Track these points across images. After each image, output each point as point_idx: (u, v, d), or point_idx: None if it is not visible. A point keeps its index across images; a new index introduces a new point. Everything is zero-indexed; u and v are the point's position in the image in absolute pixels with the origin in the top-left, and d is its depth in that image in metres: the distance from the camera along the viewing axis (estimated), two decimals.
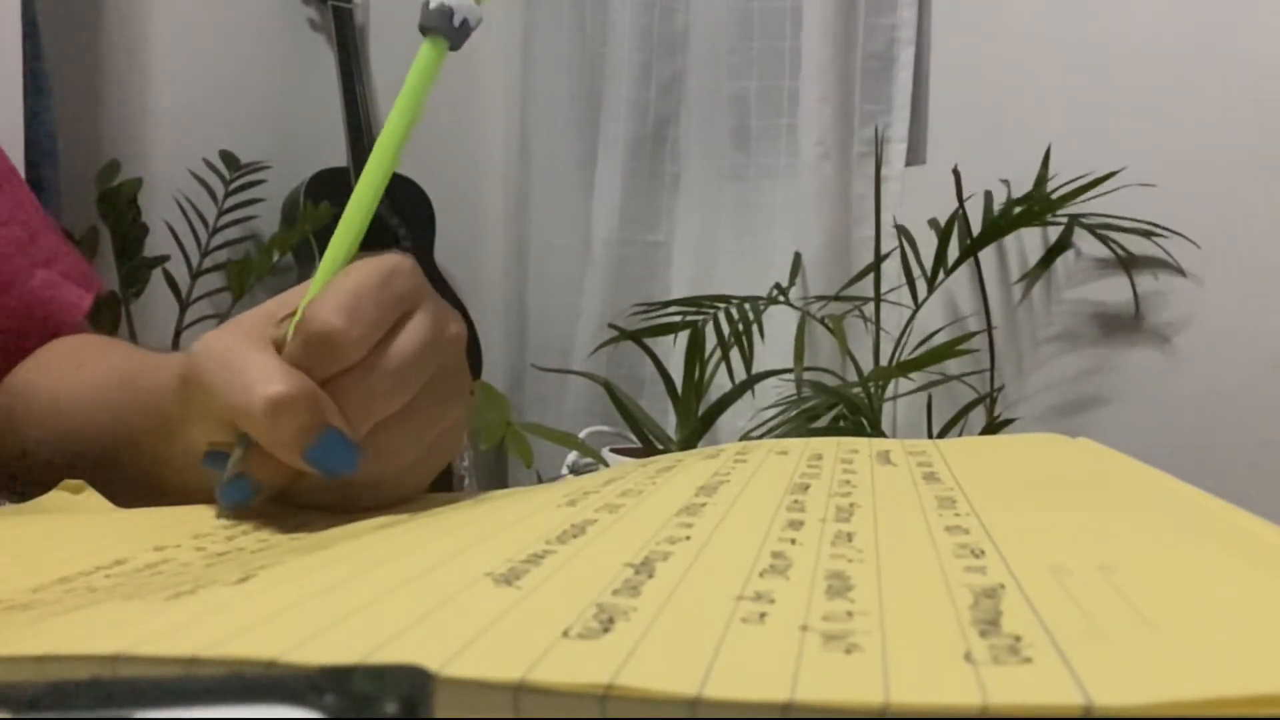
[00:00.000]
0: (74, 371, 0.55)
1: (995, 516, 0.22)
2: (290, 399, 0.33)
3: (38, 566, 0.29)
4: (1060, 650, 0.14)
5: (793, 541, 0.21)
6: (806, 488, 0.27)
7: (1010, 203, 1.51)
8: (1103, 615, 0.15)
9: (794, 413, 1.45)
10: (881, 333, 1.61)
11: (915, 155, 1.74)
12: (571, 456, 1.69)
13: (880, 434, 1.48)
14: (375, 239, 2.00)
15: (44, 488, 0.43)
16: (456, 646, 0.16)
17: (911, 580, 0.18)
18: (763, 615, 0.17)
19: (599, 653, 0.15)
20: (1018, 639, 0.14)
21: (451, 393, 0.38)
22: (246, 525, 0.35)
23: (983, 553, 0.19)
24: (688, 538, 0.22)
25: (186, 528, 0.35)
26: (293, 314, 0.36)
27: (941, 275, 1.55)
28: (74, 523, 0.37)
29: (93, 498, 0.43)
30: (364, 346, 0.35)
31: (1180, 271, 1.48)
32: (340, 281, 0.36)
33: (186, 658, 0.17)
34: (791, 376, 1.51)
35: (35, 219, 0.62)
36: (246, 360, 0.35)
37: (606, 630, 0.16)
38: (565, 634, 0.16)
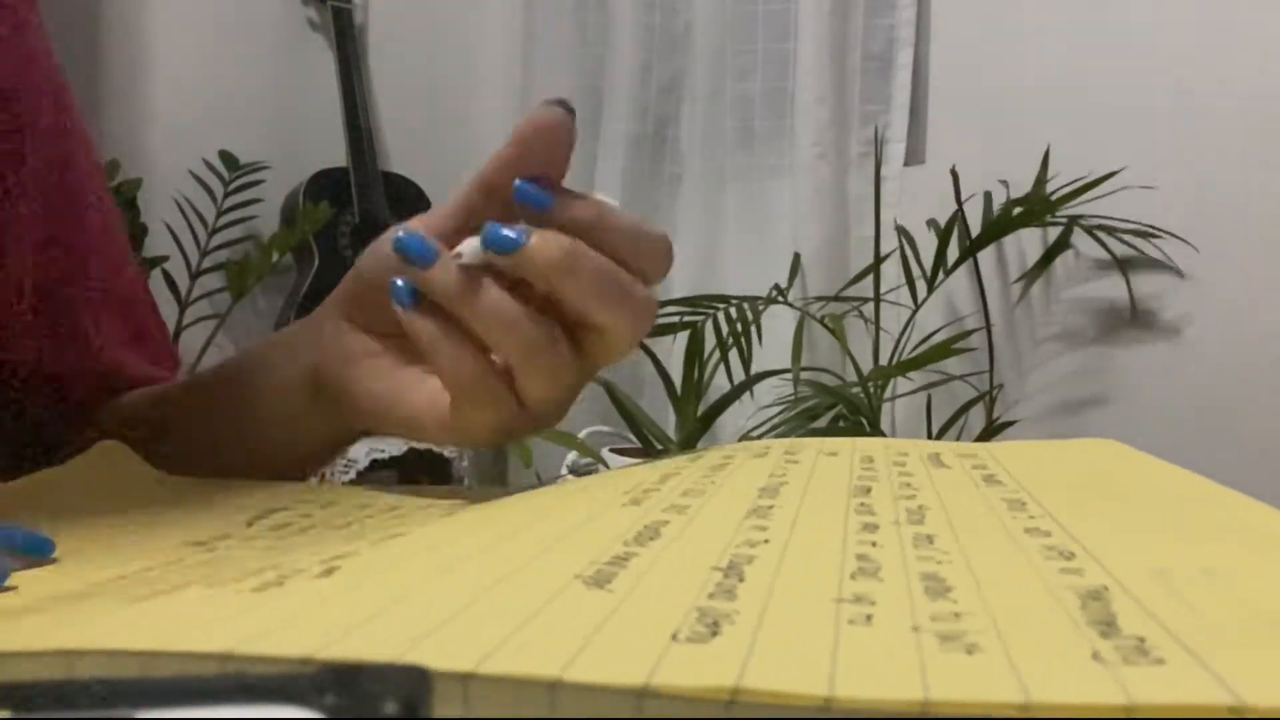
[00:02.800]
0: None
1: (1071, 520, 0.23)
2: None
3: (100, 560, 0.29)
4: (1191, 651, 0.14)
5: (874, 544, 0.22)
6: (868, 490, 0.27)
7: (1009, 203, 1.51)
8: (1222, 615, 0.15)
9: (793, 412, 1.46)
10: (881, 333, 1.62)
11: (914, 155, 1.75)
12: (571, 456, 1.69)
13: (880, 433, 1.48)
14: (375, 239, 2.00)
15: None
16: (571, 651, 0.16)
17: (1010, 581, 0.18)
18: (868, 617, 0.17)
19: (715, 656, 0.15)
20: (1141, 640, 0.14)
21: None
22: (291, 514, 0.35)
23: (1073, 555, 0.20)
24: (766, 540, 0.22)
25: (239, 515, 0.35)
26: None
27: (941, 275, 1.55)
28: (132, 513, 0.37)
29: (131, 461, 0.42)
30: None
31: (1179, 272, 1.49)
32: None
33: (299, 658, 0.17)
34: (790, 377, 1.51)
35: (121, 294, 0.57)
36: None
37: (714, 634, 0.16)
38: (674, 638, 0.16)
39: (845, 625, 0.16)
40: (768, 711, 0.14)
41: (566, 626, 0.17)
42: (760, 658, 0.15)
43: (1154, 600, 0.16)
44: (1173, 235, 1.45)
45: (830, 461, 0.32)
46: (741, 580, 0.19)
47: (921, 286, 1.56)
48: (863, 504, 0.25)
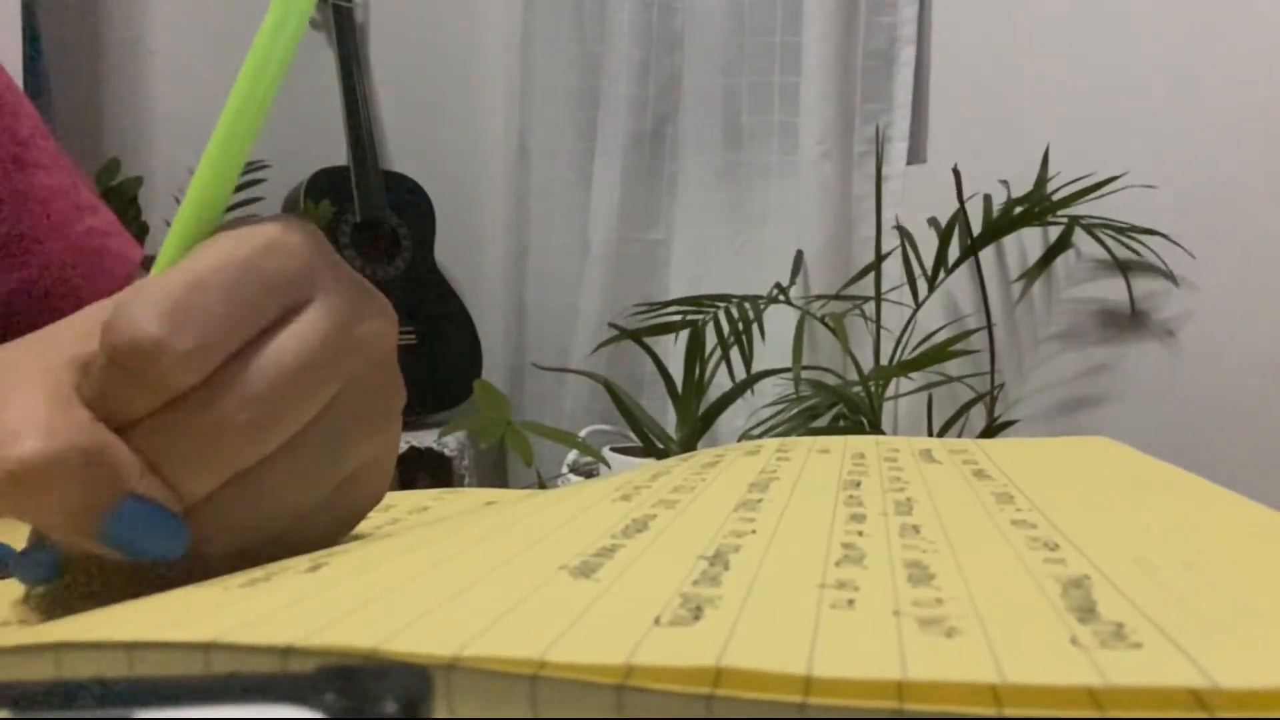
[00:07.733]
0: None
1: (1058, 513, 0.23)
2: (43, 465, 0.23)
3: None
4: (1169, 636, 0.14)
5: (860, 534, 0.22)
6: (858, 484, 0.27)
7: (1010, 203, 1.51)
8: (1203, 605, 0.15)
9: (794, 411, 1.46)
10: (882, 332, 1.62)
11: (916, 154, 1.75)
12: (571, 455, 1.69)
13: (880, 433, 1.48)
14: (375, 239, 2.00)
15: None
16: (553, 635, 0.16)
17: (993, 569, 0.18)
18: (851, 602, 0.17)
19: (696, 638, 0.16)
20: (1120, 625, 0.14)
21: (365, 416, 0.28)
22: None
23: (1057, 546, 0.20)
24: (753, 531, 0.22)
25: None
26: None
27: (942, 275, 1.55)
28: None
29: None
30: (200, 364, 0.24)
31: (1180, 271, 1.48)
32: (178, 267, 0.25)
33: (282, 647, 0.17)
34: (791, 376, 1.52)
35: (74, 171, 0.59)
36: (7, 398, 0.24)
37: (697, 618, 0.16)
38: (656, 621, 0.16)
39: (827, 609, 0.16)
40: (747, 710, 0.14)
41: (550, 613, 0.17)
42: (741, 639, 0.15)
43: (1135, 589, 0.16)
44: (1172, 237, 1.45)
45: (822, 458, 0.32)
46: (727, 568, 0.20)
47: (922, 285, 1.56)
48: (852, 496, 0.26)
